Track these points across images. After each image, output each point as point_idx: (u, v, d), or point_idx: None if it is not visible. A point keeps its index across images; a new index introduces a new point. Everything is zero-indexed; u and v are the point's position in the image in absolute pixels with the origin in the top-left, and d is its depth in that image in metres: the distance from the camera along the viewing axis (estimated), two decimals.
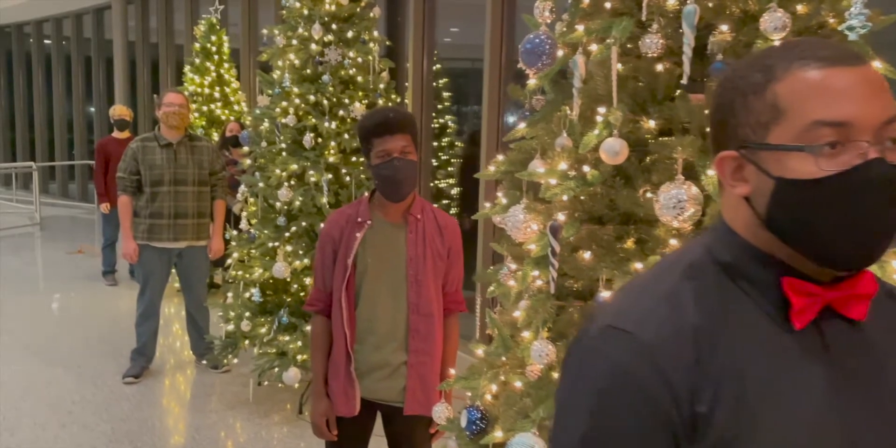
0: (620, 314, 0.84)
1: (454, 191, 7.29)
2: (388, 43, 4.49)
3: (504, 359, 1.85)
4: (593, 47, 1.77)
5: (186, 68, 7.05)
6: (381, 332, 2.29)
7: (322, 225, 4.15)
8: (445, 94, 7.72)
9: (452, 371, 2.19)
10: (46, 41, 15.34)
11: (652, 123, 1.61)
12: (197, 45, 7.02)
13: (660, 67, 1.68)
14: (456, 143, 7.75)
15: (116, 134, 7.21)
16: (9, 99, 16.62)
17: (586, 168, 1.60)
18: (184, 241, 4.64)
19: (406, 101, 5.81)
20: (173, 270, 4.87)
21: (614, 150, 1.52)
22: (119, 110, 7.27)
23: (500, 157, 1.96)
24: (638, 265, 1.55)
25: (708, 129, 0.90)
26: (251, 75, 9.30)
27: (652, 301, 0.84)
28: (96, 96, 13.89)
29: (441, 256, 2.33)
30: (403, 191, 2.25)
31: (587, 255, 1.71)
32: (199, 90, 6.84)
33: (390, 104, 4.42)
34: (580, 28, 1.69)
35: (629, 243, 1.68)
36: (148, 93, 12.25)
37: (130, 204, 4.60)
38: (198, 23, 7.27)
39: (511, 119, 5.71)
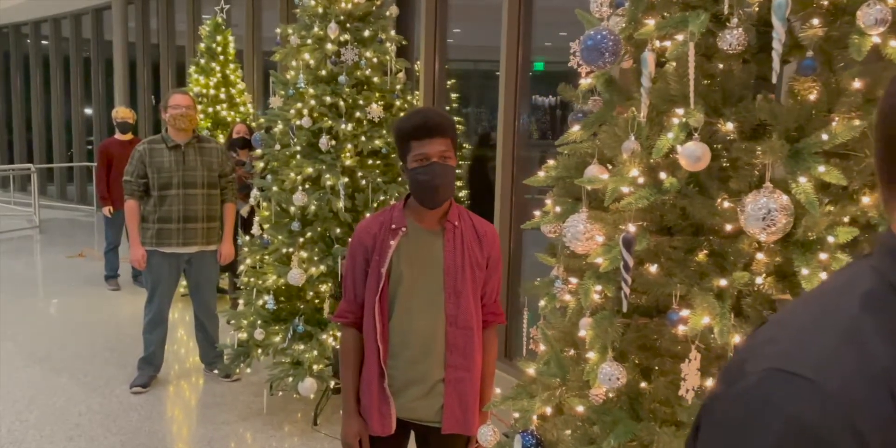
0: (790, 356, 0.70)
1: (462, 193, 7.18)
2: (404, 42, 4.36)
3: (558, 380, 1.72)
4: (657, 44, 1.64)
5: (191, 69, 6.91)
6: (416, 347, 2.16)
7: (337, 229, 4.06)
8: (453, 96, 7.61)
9: (498, 390, 2.05)
10: (44, 42, 15.18)
11: (730, 126, 1.48)
12: (202, 46, 6.88)
13: (735, 66, 1.55)
14: (464, 145, 7.64)
15: (119, 136, 7.08)
16: (6, 100, 16.45)
17: (662, 175, 1.46)
18: (193, 245, 4.50)
19: (417, 102, 5.69)
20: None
21: (695, 155, 1.39)
22: (122, 113, 7.13)
23: (552, 162, 1.83)
24: (722, 282, 1.42)
25: (875, 145, 0.76)
26: (255, 76, 9.18)
27: (829, 339, 0.69)
28: (95, 98, 13.74)
29: (480, 265, 2.20)
30: (441, 197, 2.12)
31: (654, 268, 1.58)
32: (204, 91, 6.70)
33: (406, 106, 4.29)
34: (650, 22, 1.56)
35: (701, 256, 1.55)
36: (148, 95, 12.12)
37: (138, 208, 4.46)
38: (202, 23, 7.13)
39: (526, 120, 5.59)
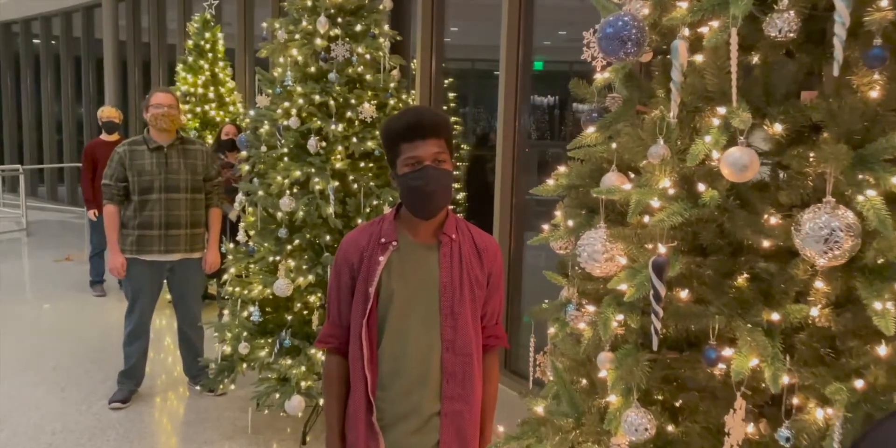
0: None
1: (460, 196, 6.96)
2: (398, 38, 4.12)
3: (571, 421, 1.48)
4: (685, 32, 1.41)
5: (179, 67, 6.66)
6: (409, 376, 1.92)
7: (327, 236, 3.82)
8: (451, 95, 7.38)
9: (501, 429, 1.82)
10: (35, 40, 14.92)
11: (778, 127, 1.24)
12: (190, 43, 6.63)
13: (778, 56, 1.32)
14: (462, 146, 7.42)
15: (105, 136, 6.83)
16: None
17: (701, 186, 1.23)
18: (176, 253, 4.26)
19: (413, 101, 5.46)
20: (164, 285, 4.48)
21: (741, 163, 1.16)
22: (107, 112, 6.88)
23: (563, 169, 1.59)
24: (773, 316, 1.18)
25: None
26: (247, 74, 8.93)
27: None
28: (86, 97, 13.48)
29: (480, 283, 1.96)
30: (436, 205, 1.88)
31: (684, 293, 1.35)
32: (192, 90, 6.46)
33: (401, 105, 4.05)
34: (682, 5, 1.32)
35: (741, 281, 1.31)
36: (139, 94, 11.87)
37: (117, 214, 4.21)
38: (191, 19, 6.89)
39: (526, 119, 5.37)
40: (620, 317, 1.35)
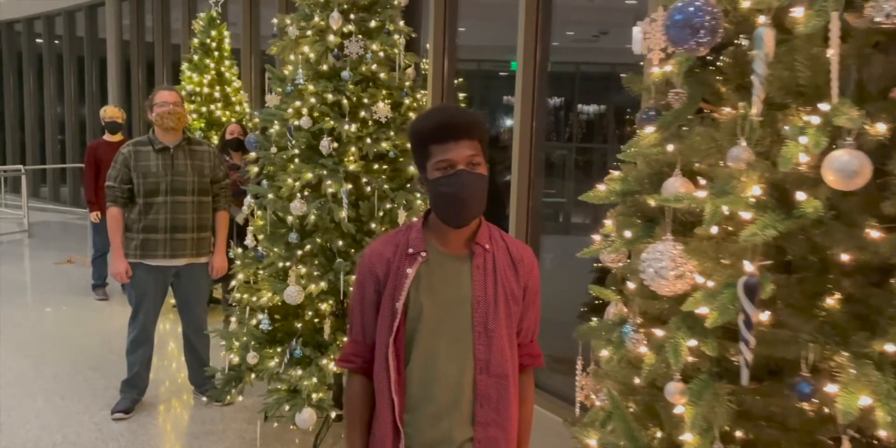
0: None
1: None
2: (413, 35, 3.96)
3: None
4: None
5: (184, 66, 6.51)
6: (439, 399, 1.76)
7: (339, 241, 3.65)
8: (461, 96, 7.23)
9: None
10: (38, 40, 14.79)
11: (881, 127, 1.08)
12: (195, 41, 6.47)
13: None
14: None
15: (108, 137, 6.69)
16: None
17: (798, 195, 1.06)
18: (182, 258, 4.10)
19: (425, 101, 5.31)
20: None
21: (850, 168, 1.00)
22: (110, 112, 6.73)
23: (616, 173, 1.43)
24: (889, 347, 1.02)
25: None
26: (252, 75, 8.78)
27: None
28: (89, 97, 13.34)
29: (516, 298, 1.80)
30: (470, 213, 1.72)
31: (764, 315, 1.18)
32: (197, 89, 6.30)
33: (416, 105, 3.89)
34: None
35: (832, 303, 1.15)
36: (143, 94, 11.73)
37: (121, 217, 4.05)
38: (196, 17, 6.73)
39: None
40: (692, 342, 1.19)
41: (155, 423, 4.17)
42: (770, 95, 1.17)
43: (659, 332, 1.34)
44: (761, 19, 1.27)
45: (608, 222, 1.52)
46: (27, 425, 4.03)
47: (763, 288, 1.06)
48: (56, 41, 14.23)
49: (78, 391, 4.54)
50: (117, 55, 12.15)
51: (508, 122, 7.32)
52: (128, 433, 3.98)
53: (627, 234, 1.38)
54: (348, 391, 1.86)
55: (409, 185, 3.81)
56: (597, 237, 1.51)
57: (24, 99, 15.16)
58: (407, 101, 3.77)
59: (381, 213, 3.67)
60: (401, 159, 3.79)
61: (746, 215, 1.09)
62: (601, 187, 1.49)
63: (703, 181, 1.31)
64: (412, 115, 3.82)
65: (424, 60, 5.78)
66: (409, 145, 3.79)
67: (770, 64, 1.15)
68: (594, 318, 1.59)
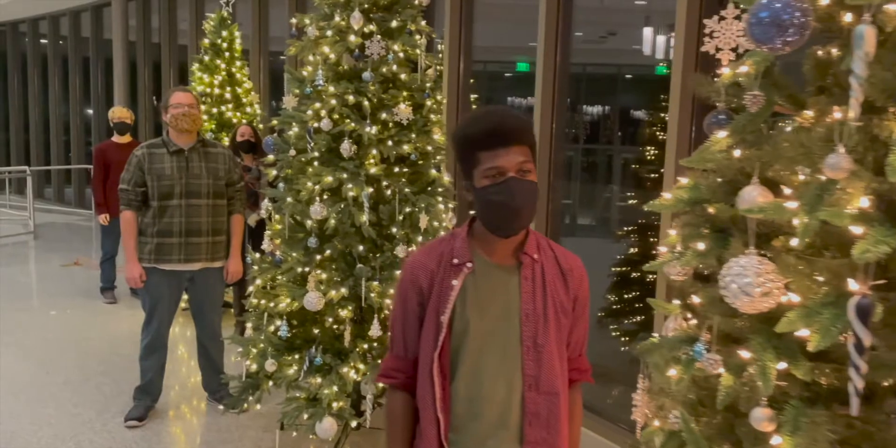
0: None
1: None
2: (433, 35, 3.87)
3: None
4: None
5: (194, 67, 6.42)
6: (486, 418, 1.67)
7: (360, 246, 3.57)
8: (472, 96, 7.15)
9: None
10: (43, 40, 14.72)
11: None
12: (206, 41, 6.39)
13: None
14: None
15: (116, 138, 6.61)
16: (3, 100, 16.00)
17: None
18: (197, 262, 4.02)
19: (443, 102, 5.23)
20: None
21: None
22: (119, 112, 6.65)
23: (684, 180, 1.34)
24: None
25: None
26: (261, 77, 8.70)
27: None
28: (94, 98, 13.28)
29: (565, 310, 1.72)
30: (520, 223, 1.64)
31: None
32: (208, 90, 6.22)
33: (436, 107, 3.80)
34: None
35: None
36: (149, 95, 11.66)
37: (135, 220, 3.97)
38: (206, 18, 6.65)
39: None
40: (782, 365, 1.11)
41: (169, 430, 4.09)
42: (870, 98, 1.09)
43: (743, 354, 1.25)
44: (848, 17, 1.18)
45: (672, 232, 1.43)
46: (39, 433, 3.95)
47: (875, 309, 0.98)
48: (61, 42, 14.16)
49: (89, 397, 4.46)
50: (123, 56, 12.08)
51: None
52: (142, 441, 3.90)
53: (701, 245, 1.29)
54: (390, 408, 1.78)
55: (429, 189, 3.72)
56: (662, 249, 1.41)
57: (28, 100, 15.10)
58: (429, 103, 3.69)
59: (400, 217, 3.59)
60: (420, 162, 3.71)
61: (857, 230, 1.01)
62: (667, 196, 1.40)
63: (786, 190, 1.23)
64: (433, 116, 3.74)
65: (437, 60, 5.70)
66: (429, 148, 3.77)
67: (869, 64, 1.07)
68: (655, 335, 1.50)
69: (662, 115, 5.21)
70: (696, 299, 1.42)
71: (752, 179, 1.25)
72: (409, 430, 1.74)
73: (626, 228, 5.35)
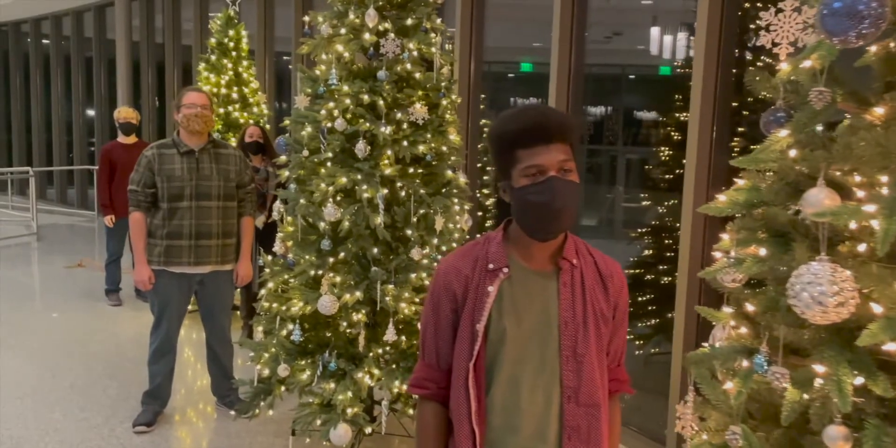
0: None
1: (489, 202, 6.67)
2: (448, 33, 3.80)
3: None
4: None
5: (201, 66, 6.35)
6: (524, 431, 1.59)
7: (374, 249, 3.49)
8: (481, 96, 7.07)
9: None
10: (45, 41, 14.66)
11: None
12: (213, 41, 6.32)
13: None
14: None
15: (122, 138, 6.55)
16: (5, 100, 15.93)
17: None
18: (207, 265, 3.95)
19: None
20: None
21: None
22: (125, 113, 6.59)
23: (741, 182, 1.27)
24: None
25: None
26: (266, 77, 8.64)
27: None
28: (97, 99, 13.21)
29: (605, 318, 1.64)
30: (561, 225, 1.56)
31: None
32: (215, 90, 6.15)
33: (451, 107, 3.73)
34: None
35: None
36: (152, 96, 11.60)
37: (144, 222, 3.90)
38: (210, 18, 6.58)
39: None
40: (859, 380, 1.04)
41: (178, 436, 4.01)
42: None
43: (815, 368, 1.17)
44: None
45: (725, 237, 1.36)
46: (46, 438, 3.88)
47: None
48: (64, 42, 14.10)
49: (97, 402, 4.39)
50: (126, 56, 12.01)
51: None
52: (151, 446, 3.82)
53: (763, 251, 1.22)
54: (421, 420, 1.70)
55: (445, 190, 3.65)
56: (717, 255, 1.34)
57: (31, 100, 15.03)
58: (444, 102, 3.61)
59: (414, 219, 3.52)
60: (435, 163, 3.64)
61: None
62: (721, 198, 1.33)
63: (855, 192, 1.16)
64: (449, 116, 3.66)
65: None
66: (444, 148, 3.69)
67: None
68: (706, 344, 1.43)
69: (677, 115, 5.14)
70: (749, 307, 1.35)
71: (817, 181, 1.18)
72: (443, 443, 1.67)
73: (639, 230, 5.27)
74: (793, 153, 1.30)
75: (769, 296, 1.32)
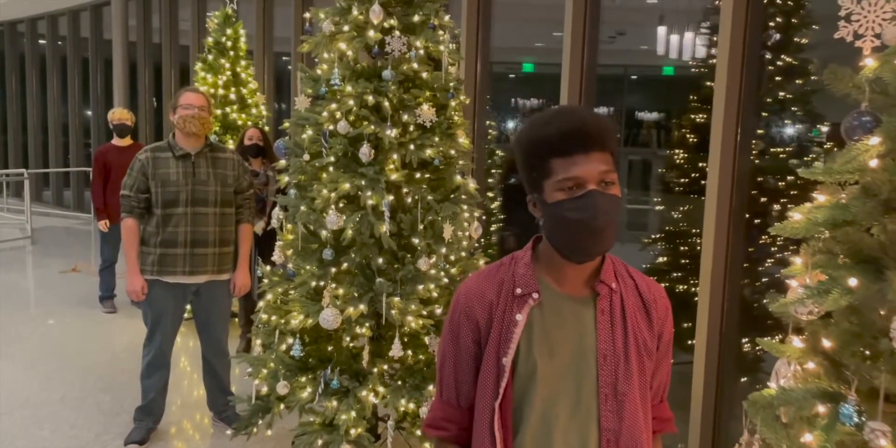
0: None
1: (494, 205, 6.49)
2: (457, 31, 3.61)
3: None
4: None
5: (198, 66, 6.15)
6: None
7: (380, 259, 3.30)
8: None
9: None
10: (41, 41, 14.46)
11: None
12: (210, 40, 6.12)
13: None
14: (497, 152, 6.97)
15: (117, 141, 6.35)
16: (1, 101, 15.73)
17: None
18: (203, 274, 3.75)
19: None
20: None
21: None
22: (119, 114, 6.39)
23: (822, 198, 1.08)
24: None
25: None
26: (265, 79, 8.45)
27: None
28: (94, 100, 13.01)
29: (649, 350, 1.45)
30: (602, 245, 1.37)
31: None
32: (212, 91, 5.95)
33: (458, 109, 3.53)
34: None
35: None
36: (149, 97, 11.41)
37: (137, 229, 3.71)
38: (209, 17, 6.38)
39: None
40: None
41: None
42: None
43: None
44: None
45: (797, 261, 1.17)
46: None
47: None
48: (60, 42, 13.90)
49: (88, 417, 4.19)
50: (123, 57, 11.82)
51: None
52: None
53: (853, 282, 1.03)
54: None
55: (453, 196, 3.45)
56: (794, 285, 1.15)
57: (26, 101, 14.84)
58: (453, 104, 3.42)
59: (421, 226, 3.32)
60: (443, 167, 3.45)
61: None
62: (797, 217, 1.14)
63: None
64: (457, 118, 3.47)
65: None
66: (453, 152, 3.50)
67: None
68: (771, 385, 1.24)
69: (693, 116, 4.95)
70: (826, 343, 1.16)
71: None
72: None
73: (653, 236, 5.09)
74: (875, 163, 1.11)
75: (846, 329, 1.13)
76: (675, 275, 4.93)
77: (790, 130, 4.30)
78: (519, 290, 1.42)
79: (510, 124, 7.21)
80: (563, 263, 1.42)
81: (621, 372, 1.40)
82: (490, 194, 6.55)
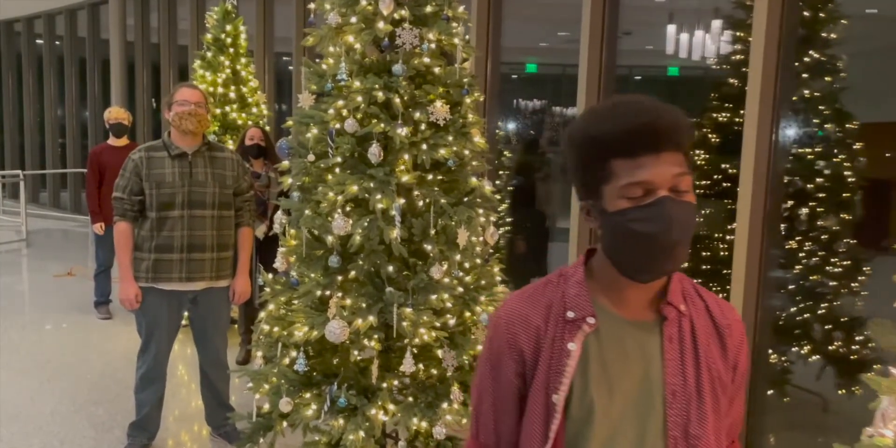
0: None
1: (501, 208, 6.29)
2: (469, 24, 3.40)
3: None
4: None
5: (196, 64, 5.93)
6: None
7: (390, 267, 3.07)
8: None
9: None
10: (38, 40, 14.25)
11: None
12: (209, 36, 5.90)
13: None
14: (504, 153, 6.78)
15: (112, 141, 6.13)
16: None
17: None
18: (200, 281, 3.54)
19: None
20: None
21: None
22: (116, 113, 6.17)
23: None
24: None
25: None
26: (266, 77, 8.24)
27: None
28: (91, 100, 12.81)
29: (724, 384, 1.22)
30: (674, 263, 1.14)
31: None
32: (211, 89, 5.73)
33: (472, 106, 3.32)
34: None
35: None
36: (147, 97, 11.20)
37: (131, 233, 3.49)
38: (209, 11, 6.16)
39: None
40: None
41: None
42: None
43: None
44: None
45: None
46: None
47: None
48: (57, 42, 13.70)
49: (79, 433, 3.97)
50: (121, 56, 11.62)
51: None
52: None
53: None
54: None
55: (468, 199, 3.23)
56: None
57: (23, 101, 14.64)
58: (468, 101, 3.20)
59: (433, 231, 3.10)
60: (456, 169, 3.23)
61: None
62: None
63: None
64: (472, 116, 3.24)
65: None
66: (467, 152, 3.27)
67: None
68: (876, 431, 1.02)
69: (715, 115, 4.74)
70: None
71: None
72: None
73: None
74: None
75: None
76: (696, 281, 4.72)
77: (817, 130, 4.10)
78: (571, 314, 1.20)
79: (510, 125, 7.02)
80: (624, 282, 1.19)
81: (693, 412, 1.17)
82: (497, 197, 6.34)
